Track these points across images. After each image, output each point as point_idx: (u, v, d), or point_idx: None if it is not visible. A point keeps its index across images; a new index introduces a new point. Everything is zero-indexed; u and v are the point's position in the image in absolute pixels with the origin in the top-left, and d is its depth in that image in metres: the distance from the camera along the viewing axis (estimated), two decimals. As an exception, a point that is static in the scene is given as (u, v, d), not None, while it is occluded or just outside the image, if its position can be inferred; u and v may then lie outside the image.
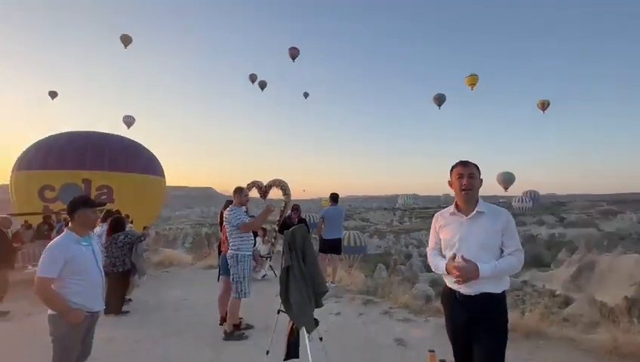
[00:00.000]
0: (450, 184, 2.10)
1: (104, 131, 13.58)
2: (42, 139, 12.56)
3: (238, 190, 4.37)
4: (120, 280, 5.43)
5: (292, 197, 8.07)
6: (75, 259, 2.35)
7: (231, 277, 4.15)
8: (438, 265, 2.07)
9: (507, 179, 47.20)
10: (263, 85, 36.43)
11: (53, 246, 2.34)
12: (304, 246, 2.88)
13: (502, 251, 1.97)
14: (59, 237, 2.45)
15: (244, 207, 4.60)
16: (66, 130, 13.09)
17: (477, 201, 2.01)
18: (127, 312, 5.29)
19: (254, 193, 8.30)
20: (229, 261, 4.19)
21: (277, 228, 7.91)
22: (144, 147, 14.19)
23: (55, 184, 11.40)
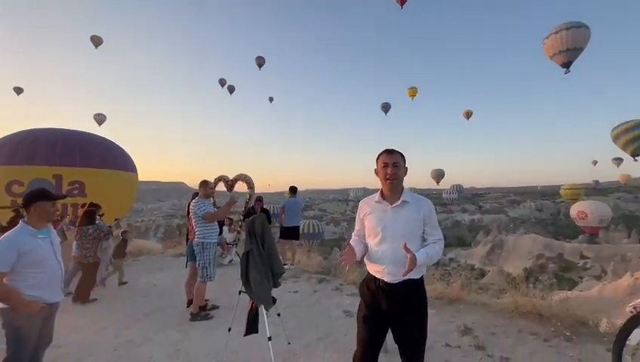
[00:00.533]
0: (377, 172, 1.89)
1: (75, 129, 12.22)
2: (9, 135, 11.02)
3: (204, 183, 4.17)
4: (90, 270, 5.03)
5: (257, 190, 7.92)
6: (31, 252, 2.07)
7: (197, 262, 3.97)
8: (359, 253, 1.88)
9: (439, 175, 50.05)
10: (231, 90, 35.18)
11: (4, 240, 2.04)
12: (263, 232, 2.80)
13: (424, 239, 1.83)
14: (12, 230, 2.14)
15: (210, 199, 4.40)
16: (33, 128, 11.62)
17: (402, 190, 1.84)
18: (94, 300, 4.85)
19: (222, 186, 8.02)
20: (195, 248, 4.00)
21: (242, 218, 7.72)
22: (116, 144, 13.03)
23: (24, 179, 10.06)
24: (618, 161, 43.13)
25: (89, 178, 10.72)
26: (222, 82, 33.73)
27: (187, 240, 4.75)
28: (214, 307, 4.26)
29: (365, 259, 1.91)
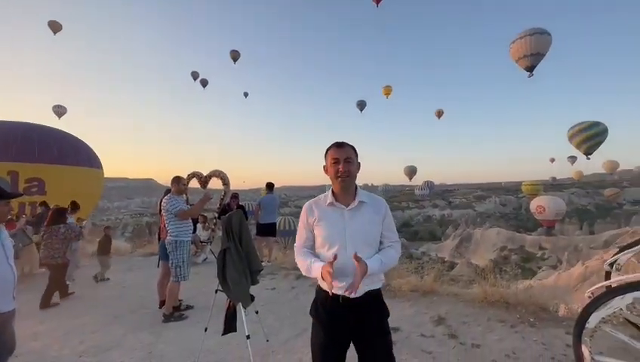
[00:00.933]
0: (326, 170, 1.62)
1: (32, 122, 11.18)
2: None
3: (176, 179, 3.99)
4: (58, 271, 4.76)
5: (232, 187, 7.72)
6: None
7: (170, 262, 3.81)
8: (312, 267, 1.52)
9: (411, 171, 51.59)
10: (204, 83, 34.00)
11: None
12: (240, 229, 2.73)
13: (380, 242, 1.61)
14: None
15: (183, 196, 4.24)
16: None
17: (356, 189, 1.60)
18: (56, 304, 4.54)
19: (195, 183, 7.74)
20: (167, 247, 3.84)
21: (217, 215, 7.50)
22: (78, 138, 12.13)
23: (-26, 176, 9.13)
24: (573, 158, 46.64)
25: (49, 175, 9.93)
26: (194, 75, 32.53)
27: (159, 238, 4.57)
28: (189, 307, 4.13)
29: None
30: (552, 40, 17.39)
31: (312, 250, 1.64)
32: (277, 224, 7.31)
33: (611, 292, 1.71)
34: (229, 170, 7.80)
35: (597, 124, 21.27)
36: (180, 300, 4.09)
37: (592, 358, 1.80)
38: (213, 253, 7.50)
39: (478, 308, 3.65)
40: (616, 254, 2.73)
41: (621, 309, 1.69)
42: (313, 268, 1.51)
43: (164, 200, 3.91)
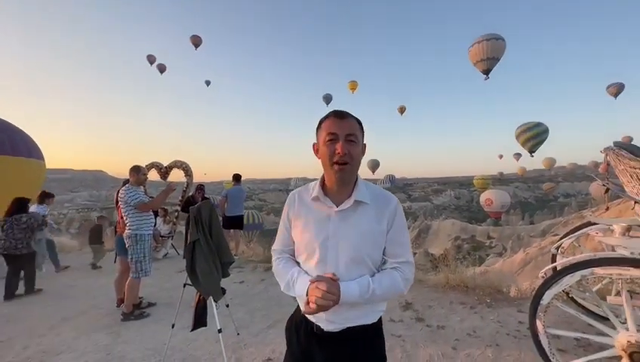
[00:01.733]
0: (316, 150, 1.14)
1: None
2: None
3: (135, 168, 3.70)
4: (23, 262, 4.63)
5: (195, 180, 7.36)
6: None
7: (129, 257, 3.54)
8: (296, 281, 1.12)
9: (374, 165, 53.07)
10: (162, 69, 31.66)
11: None
12: (210, 220, 2.60)
13: (383, 262, 1.15)
14: None
15: (141, 187, 3.95)
16: None
17: (355, 182, 1.14)
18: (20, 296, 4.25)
19: (154, 175, 7.26)
20: (126, 241, 3.56)
21: (179, 208, 7.12)
22: (15, 126, 10.73)
23: None
24: (518, 155, 51.07)
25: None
26: (151, 59, 30.17)
27: (115, 232, 4.23)
28: (150, 304, 3.88)
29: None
30: (507, 45, 18.77)
31: (294, 256, 1.22)
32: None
33: (563, 271, 1.90)
34: (189, 161, 7.42)
35: (539, 124, 23.45)
36: (140, 298, 3.84)
37: (545, 331, 1.99)
38: (174, 247, 7.14)
39: (442, 292, 3.88)
40: (561, 239, 3.05)
41: (570, 286, 1.88)
42: (297, 284, 1.11)
43: (121, 191, 3.61)
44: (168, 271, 5.61)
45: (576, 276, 1.83)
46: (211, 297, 2.49)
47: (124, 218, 3.59)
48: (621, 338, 1.72)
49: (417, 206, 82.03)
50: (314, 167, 1.17)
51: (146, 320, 3.52)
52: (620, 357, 1.75)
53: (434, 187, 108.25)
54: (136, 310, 3.62)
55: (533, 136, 23.13)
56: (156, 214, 7.16)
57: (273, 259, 1.25)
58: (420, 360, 2.48)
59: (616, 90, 28.59)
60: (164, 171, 7.14)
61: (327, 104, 38.83)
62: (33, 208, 6.00)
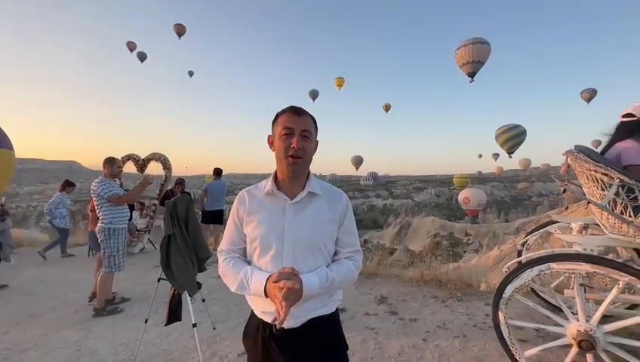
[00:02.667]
0: (271, 143, 1.16)
1: None
2: None
3: (110, 160, 3.59)
4: None
5: (173, 173, 7.20)
6: None
7: (102, 251, 3.46)
8: (250, 278, 1.08)
9: (358, 161, 53.47)
10: (142, 57, 30.48)
11: None
12: (187, 214, 2.58)
13: (335, 251, 1.20)
14: None
15: (116, 180, 3.85)
16: None
17: (308, 176, 1.18)
18: None
19: (131, 167, 7.04)
20: (99, 235, 3.47)
21: (157, 202, 6.96)
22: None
23: None
24: (496, 155, 52.96)
25: None
26: (131, 47, 28.96)
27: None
28: (124, 299, 3.80)
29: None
30: (492, 49, 19.34)
31: (244, 256, 1.21)
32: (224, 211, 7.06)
33: (522, 267, 2.02)
34: (170, 154, 7.25)
35: (518, 126, 24.38)
36: (113, 293, 3.75)
37: (506, 322, 2.11)
38: (151, 242, 6.99)
39: (416, 287, 4.01)
40: (526, 236, 3.23)
41: (530, 280, 2.00)
42: (253, 281, 1.07)
43: (94, 183, 3.50)
44: (144, 265, 5.50)
45: (535, 271, 1.95)
46: (186, 291, 2.48)
47: (97, 211, 3.50)
48: (572, 328, 1.86)
49: (399, 203, 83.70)
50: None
51: (119, 316, 3.45)
52: (570, 345, 1.89)
53: (415, 185, 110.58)
54: (108, 305, 3.54)
55: (512, 137, 24.03)
56: (132, 208, 6.98)
57: (220, 260, 1.20)
58: (391, 352, 2.57)
59: (589, 95, 30.12)
60: (142, 164, 6.95)
61: (314, 100, 38.78)
62: (54, 197, 6.35)
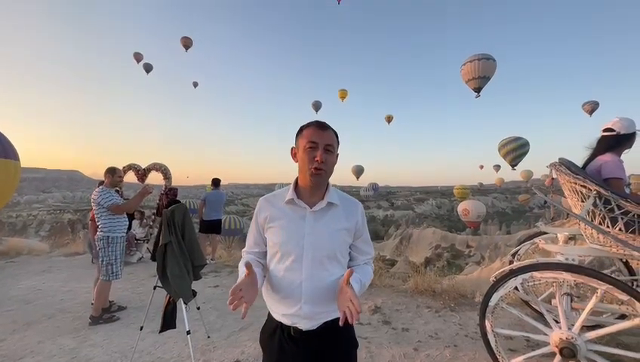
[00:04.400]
0: (294, 155, 1.24)
1: None
2: None
3: (111, 170, 3.70)
4: None
5: (175, 183, 7.30)
6: None
7: (100, 259, 3.52)
8: (240, 267, 1.21)
9: (359, 171, 53.58)
10: (148, 68, 30.95)
11: None
12: (184, 222, 2.66)
13: (352, 258, 1.29)
14: None
15: (117, 189, 3.94)
16: None
17: (327, 187, 1.25)
18: None
19: (132, 177, 7.16)
20: (97, 243, 3.54)
21: (155, 212, 7.04)
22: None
23: None
24: (497, 167, 53.05)
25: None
26: (137, 58, 29.49)
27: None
28: (121, 308, 3.84)
29: (265, 293, 1.27)
30: (498, 65, 19.71)
31: (261, 258, 1.29)
32: (222, 222, 7.11)
33: (507, 275, 2.08)
34: (172, 164, 7.38)
35: (520, 138, 24.57)
36: (110, 301, 3.80)
37: (493, 331, 2.16)
38: (150, 251, 7.02)
39: (410, 297, 4.05)
40: (517, 246, 3.29)
41: (515, 288, 2.06)
42: (239, 267, 1.23)
43: (95, 192, 3.60)
44: (142, 275, 5.53)
45: (519, 279, 2.02)
46: (181, 299, 2.54)
47: (97, 220, 3.58)
48: (554, 336, 1.91)
49: (400, 214, 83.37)
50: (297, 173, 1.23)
51: (116, 324, 3.49)
52: (554, 353, 1.93)
53: (416, 196, 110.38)
54: (105, 314, 3.58)
55: (515, 149, 24.16)
56: (132, 217, 7.05)
57: (243, 258, 1.32)
58: (383, 361, 2.60)
59: (591, 107, 30.47)
60: (142, 173, 7.06)
61: (317, 111, 39.23)
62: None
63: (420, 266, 5.07)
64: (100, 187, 3.64)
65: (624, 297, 1.68)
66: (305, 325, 1.16)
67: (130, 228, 6.39)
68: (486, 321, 2.17)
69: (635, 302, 1.66)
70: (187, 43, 28.80)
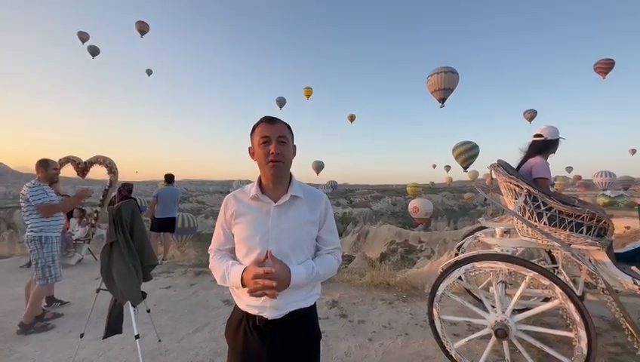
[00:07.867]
0: (252, 153, 1.27)
1: None
2: None
3: (43, 163, 3.29)
4: None
5: (124, 178, 6.72)
6: None
7: (34, 262, 3.15)
8: (229, 271, 1.21)
9: (319, 166, 54.17)
10: (94, 51, 27.71)
11: None
12: (132, 220, 2.49)
13: (317, 249, 1.32)
14: None
15: (53, 184, 3.55)
16: None
17: (290, 180, 1.28)
18: None
19: (71, 171, 6.44)
20: (28, 245, 3.17)
21: (99, 209, 6.46)
22: None
23: None
24: (447, 167, 57.05)
25: None
26: (82, 37, 26.37)
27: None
28: (56, 315, 3.48)
29: (231, 288, 1.28)
30: (460, 77, 21.17)
31: (231, 253, 1.32)
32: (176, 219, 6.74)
33: (452, 266, 2.27)
34: (118, 158, 6.79)
35: (470, 142, 26.77)
36: (45, 306, 3.43)
37: (440, 318, 2.34)
38: (91, 252, 6.45)
39: (366, 291, 4.21)
40: (462, 239, 3.59)
41: (459, 278, 2.26)
42: (231, 273, 1.19)
43: (25, 186, 3.20)
44: (82, 278, 5.06)
45: (462, 270, 2.21)
46: (129, 302, 2.37)
47: (26, 219, 3.20)
48: (491, 319, 2.13)
49: (357, 211, 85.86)
50: (256, 170, 1.27)
51: (50, 333, 3.15)
52: (491, 335, 2.16)
53: (373, 194, 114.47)
54: (37, 322, 3.21)
55: (466, 151, 26.23)
56: (70, 215, 6.41)
57: (210, 257, 1.32)
58: (338, 353, 2.68)
59: (531, 115, 34.35)
60: (83, 167, 6.41)
61: (281, 107, 38.71)
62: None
63: (375, 261, 5.29)
64: (32, 181, 3.25)
65: (546, 282, 1.94)
66: (270, 314, 1.18)
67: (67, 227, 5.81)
68: (434, 309, 2.35)
69: (555, 286, 1.91)
70: (143, 28, 26.62)
